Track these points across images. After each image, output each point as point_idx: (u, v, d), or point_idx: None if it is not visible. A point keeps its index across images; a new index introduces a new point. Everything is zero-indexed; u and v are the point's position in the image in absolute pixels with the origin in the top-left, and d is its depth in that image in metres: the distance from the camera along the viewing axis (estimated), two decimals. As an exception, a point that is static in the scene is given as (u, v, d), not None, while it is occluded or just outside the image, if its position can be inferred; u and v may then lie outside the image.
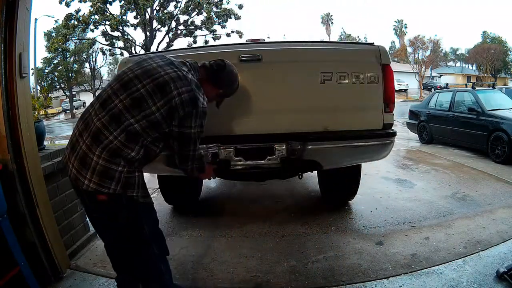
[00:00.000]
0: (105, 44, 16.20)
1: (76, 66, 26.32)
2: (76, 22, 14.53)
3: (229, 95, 1.63)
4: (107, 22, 14.64)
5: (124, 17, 15.04)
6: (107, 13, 14.41)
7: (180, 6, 15.39)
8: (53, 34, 21.97)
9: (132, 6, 14.55)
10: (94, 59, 27.24)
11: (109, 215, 1.27)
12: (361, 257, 2.15)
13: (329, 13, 51.38)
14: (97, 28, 15.13)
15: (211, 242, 2.44)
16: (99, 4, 13.89)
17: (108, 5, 14.42)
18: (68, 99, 27.36)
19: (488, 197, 3.24)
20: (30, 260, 1.72)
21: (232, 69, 1.56)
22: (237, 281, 1.94)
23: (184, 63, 1.40)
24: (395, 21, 48.06)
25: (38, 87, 21.93)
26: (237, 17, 15.38)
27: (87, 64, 27.61)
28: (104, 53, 20.34)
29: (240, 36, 15.98)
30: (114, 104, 1.24)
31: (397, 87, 24.34)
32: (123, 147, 1.22)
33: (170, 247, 2.26)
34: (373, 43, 2.23)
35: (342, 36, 49.27)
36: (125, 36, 15.52)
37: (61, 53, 23.32)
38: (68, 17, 14.34)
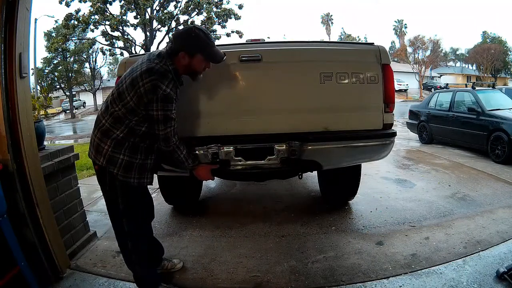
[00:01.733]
0: (105, 44, 16.19)
1: (76, 66, 26.33)
2: (76, 22, 14.52)
3: (208, 51, 1.63)
4: (107, 22, 14.63)
5: (124, 17, 15.03)
6: (107, 13, 14.40)
7: (180, 6, 15.38)
8: (53, 34, 21.98)
9: (132, 6, 14.54)
10: (94, 59, 27.29)
11: (99, 182, 1.68)
12: (361, 257, 2.15)
13: (329, 13, 51.50)
14: (97, 28, 15.12)
15: (211, 242, 2.44)
16: (99, 4, 13.88)
17: (108, 5, 14.40)
18: (68, 99, 27.36)
19: (488, 197, 3.24)
20: (30, 260, 1.71)
21: (186, 28, 1.65)
22: (237, 281, 1.94)
23: (159, 53, 1.60)
24: (395, 21, 48.17)
25: (38, 87, 21.92)
26: (237, 17, 15.37)
27: (87, 64, 27.65)
28: (104, 53, 20.34)
29: (240, 36, 15.99)
30: (108, 98, 1.61)
31: (397, 87, 24.34)
32: (111, 127, 1.55)
33: (170, 247, 2.30)
34: (373, 43, 2.23)
35: (342, 36, 49.33)
36: (125, 36, 15.50)
37: (61, 53, 23.34)
38: (68, 17, 14.33)
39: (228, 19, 15.36)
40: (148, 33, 15.34)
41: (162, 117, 1.52)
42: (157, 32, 15.79)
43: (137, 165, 1.59)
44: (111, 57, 25.20)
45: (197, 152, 2.02)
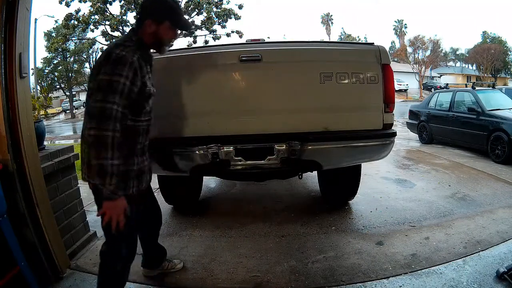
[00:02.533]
0: (105, 44, 16.13)
1: (76, 66, 26.33)
2: (76, 22, 14.51)
3: (176, 18, 1.50)
4: (107, 22, 14.62)
5: (124, 17, 15.01)
6: (107, 13, 14.39)
7: (180, 6, 15.38)
8: (53, 34, 21.98)
9: (132, 6, 14.53)
10: (94, 59, 27.23)
11: (95, 200, 1.44)
12: (361, 257, 2.15)
13: (329, 13, 51.48)
14: (97, 28, 15.10)
15: (211, 242, 2.44)
16: (99, 4, 13.87)
17: (108, 5, 14.40)
18: (68, 99, 27.36)
19: (488, 197, 3.24)
20: (30, 260, 1.72)
21: None
22: (237, 281, 1.94)
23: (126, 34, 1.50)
24: (395, 21, 48.18)
25: (38, 87, 21.94)
26: (237, 17, 15.36)
27: (87, 64, 27.60)
28: (104, 53, 20.29)
29: (240, 36, 15.97)
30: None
31: (397, 87, 24.34)
32: None
33: (170, 247, 2.29)
34: (373, 43, 2.23)
35: (342, 36, 49.31)
36: (125, 36, 15.49)
37: (61, 53, 23.32)
38: (68, 17, 14.32)
39: (228, 19, 15.33)
40: (148, 33, 15.31)
41: (106, 82, 1.23)
42: (157, 32, 15.76)
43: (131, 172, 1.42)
44: (111, 57, 25.17)
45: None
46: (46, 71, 25.46)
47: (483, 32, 43.49)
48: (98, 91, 1.23)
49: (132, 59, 1.30)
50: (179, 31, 1.62)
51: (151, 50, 1.52)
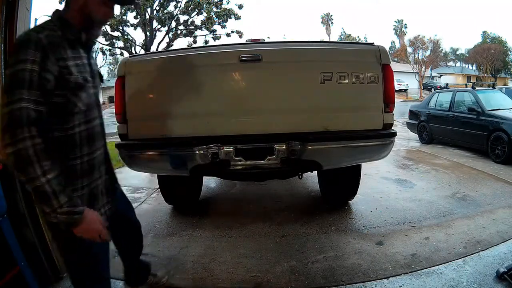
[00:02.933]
0: (105, 44, 16.16)
1: (76, 66, 26.30)
2: (76, 22, 14.53)
3: None
4: (107, 22, 14.64)
5: (124, 17, 15.03)
6: (107, 13, 14.40)
7: (180, 6, 15.37)
8: (53, 34, 21.97)
9: (132, 6, 14.54)
10: (94, 59, 27.24)
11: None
12: (361, 257, 2.15)
13: (329, 13, 51.57)
14: (97, 28, 15.12)
15: (211, 242, 2.44)
16: (99, 4, 13.88)
17: (108, 5, 14.41)
18: (68, 99, 27.38)
19: (488, 197, 3.24)
20: (30, 260, 1.71)
21: None
22: (237, 281, 1.94)
23: None
24: (395, 21, 48.26)
25: (38, 87, 21.91)
26: (237, 17, 15.37)
27: (87, 64, 27.60)
28: (104, 53, 20.29)
29: (240, 36, 15.98)
30: None
31: (397, 87, 24.33)
32: None
33: (170, 247, 2.30)
34: (373, 43, 2.24)
35: (342, 36, 49.36)
36: (125, 36, 15.47)
37: (61, 53, 23.32)
38: (68, 17, 14.33)
39: (228, 19, 15.33)
40: (148, 33, 15.33)
41: (8, 76, 0.94)
42: (157, 32, 15.77)
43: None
44: (111, 57, 25.11)
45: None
46: (46, 71, 25.46)
47: (483, 32, 43.59)
48: (3, 94, 0.93)
49: (38, 37, 0.97)
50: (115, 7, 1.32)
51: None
